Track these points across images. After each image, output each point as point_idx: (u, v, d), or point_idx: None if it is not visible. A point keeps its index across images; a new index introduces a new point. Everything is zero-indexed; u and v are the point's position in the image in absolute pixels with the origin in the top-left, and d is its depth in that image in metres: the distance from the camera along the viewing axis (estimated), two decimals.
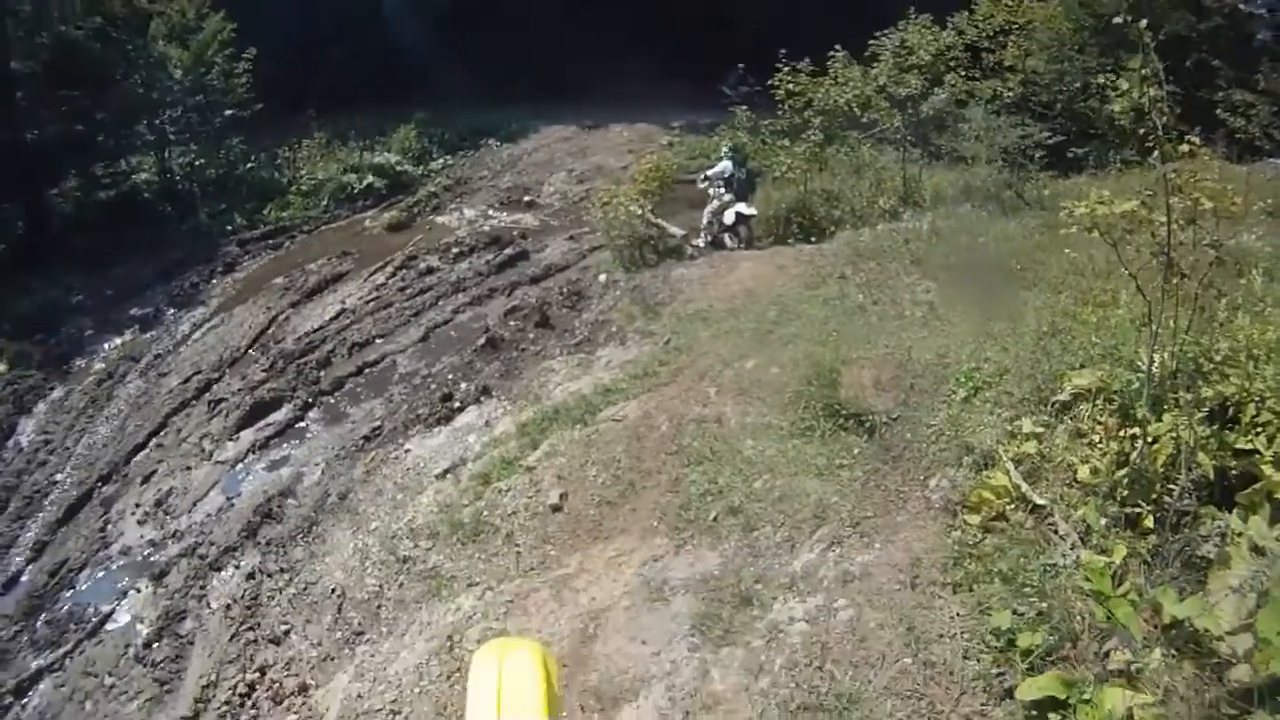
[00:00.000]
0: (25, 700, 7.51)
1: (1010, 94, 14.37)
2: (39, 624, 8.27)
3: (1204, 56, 15.51)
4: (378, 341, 12.41)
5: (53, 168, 18.24)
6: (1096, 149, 14.32)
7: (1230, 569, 4.02)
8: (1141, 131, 5.85)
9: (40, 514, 9.79)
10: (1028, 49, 15.46)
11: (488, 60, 22.97)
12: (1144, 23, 5.12)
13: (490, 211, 17.99)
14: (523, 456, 8.48)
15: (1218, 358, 5.60)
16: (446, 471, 8.79)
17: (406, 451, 9.53)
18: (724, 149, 13.88)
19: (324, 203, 19.13)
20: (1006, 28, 14.90)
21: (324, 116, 21.66)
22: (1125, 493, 5.21)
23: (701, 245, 13.30)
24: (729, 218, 12.92)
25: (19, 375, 12.53)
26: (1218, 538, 4.47)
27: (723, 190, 13.03)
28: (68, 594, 8.63)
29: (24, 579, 8.94)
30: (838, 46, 14.66)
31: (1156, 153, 5.24)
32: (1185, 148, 5.29)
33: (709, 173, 13.37)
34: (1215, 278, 5.56)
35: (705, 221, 13.38)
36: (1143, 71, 5.07)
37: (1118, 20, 5.83)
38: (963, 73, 14.18)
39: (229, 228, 18.02)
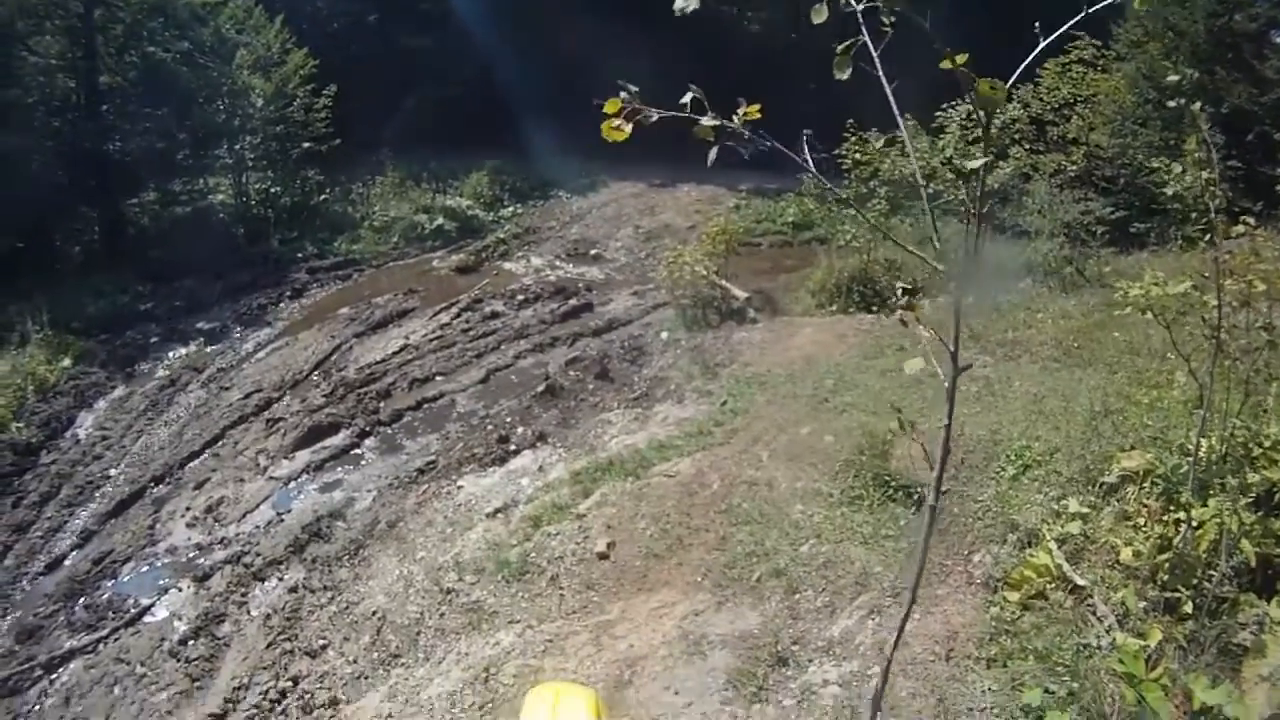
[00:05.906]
0: (55, 676, 8.02)
1: (1074, 168, 14.71)
2: (78, 607, 8.81)
3: (1266, 130, 15.77)
4: (438, 379, 13.08)
5: (133, 180, 19.65)
6: (1159, 224, 14.52)
7: (1265, 657, 4.19)
8: (1194, 215, 6.10)
9: (90, 505, 10.47)
10: (1092, 122, 15.74)
11: (561, 111, 23.80)
12: (1197, 104, 5.48)
13: (557, 262, 18.94)
14: (574, 504, 8.98)
15: (1267, 443, 5.82)
16: (498, 511, 9.30)
17: (459, 488, 10.05)
18: None
19: (394, 240, 20.22)
20: (1071, 100, 15.13)
21: (398, 156, 23.04)
22: (1166, 577, 5.47)
23: None
24: None
25: (83, 371, 13.44)
26: (1255, 625, 4.70)
27: None
28: (109, 583, 9.18)
29: (67, 563, 9.54)
30: (906, 115, 14.82)
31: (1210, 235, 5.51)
32: (1240, 228, 5.58)
33: None
34: (1270, 361, 5.84)
35: None
36: (1196, 154, 5.34)
37: (1172, 104, 6.17)
38: (1027, 146, 14.58)
39: (299, 255, 19.18)
